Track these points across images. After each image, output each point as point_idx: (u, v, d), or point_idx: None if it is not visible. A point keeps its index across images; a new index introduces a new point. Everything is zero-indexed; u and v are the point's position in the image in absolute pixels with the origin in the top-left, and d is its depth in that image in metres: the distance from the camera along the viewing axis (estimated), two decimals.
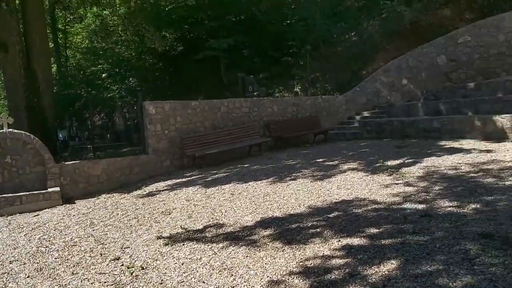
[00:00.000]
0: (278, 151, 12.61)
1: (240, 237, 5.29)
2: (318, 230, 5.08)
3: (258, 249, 4.75)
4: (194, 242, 5.32)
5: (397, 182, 7.05)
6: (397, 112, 13.53)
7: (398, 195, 6.23)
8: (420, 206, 5.51)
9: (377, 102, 15.40)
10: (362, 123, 13.64)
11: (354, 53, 18.37)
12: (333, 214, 5.65)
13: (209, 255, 4.80)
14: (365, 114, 14.91)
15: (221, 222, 6.01)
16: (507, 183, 6.17)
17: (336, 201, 6.33)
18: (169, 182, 9.69)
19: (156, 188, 9.27)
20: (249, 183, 8.40)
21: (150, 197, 8.45)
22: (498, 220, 4.61)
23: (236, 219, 6.08)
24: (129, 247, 5.45)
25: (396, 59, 15.57)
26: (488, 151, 8.79)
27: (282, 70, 19.48)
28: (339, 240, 4.62)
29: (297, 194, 7.03)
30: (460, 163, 7.89)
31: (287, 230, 5.25)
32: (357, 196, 6.45)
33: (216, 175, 9.77)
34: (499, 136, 10.10)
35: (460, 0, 16.07)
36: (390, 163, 8.69)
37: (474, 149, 9.19)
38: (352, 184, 7.25)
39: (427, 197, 5.92)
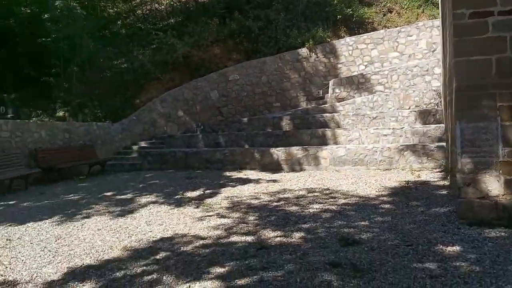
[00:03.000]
0: (49, 185, 10.75)
1: None
2: (154, 276, 4.28)
3: None
4: None
5: (208, 214, 6.76)
6: (177, 143, 13.44)
7: (218, 228, 5.92)
8: (249, 238, 5.33)
9: (154, 132, 15.02)
10: (143, 153, 12.99)
11: (125, 80, 17.58)
12: (160, 255, 4.91)
13: None
14: (143, 144, 14.30)
15: (11, 279, 4.50)
16: (311, 210, 6.62)
17: (155, 239, 5.58)
18: None
19: None
20: (27, 224, 6.74)
21: None
22: (330, 247, 4.78)
23: (31, 272, 4.65)
24: None
25: (172, 90, 15.60)
26: (274, 181, 9.45)
27: (41, 91, 17.09)
28: (189, 287, 3.96)
29: (101, 235, 5.94)
30: (257, 193, 8.18)
31: (114, 281, 4.25)
32: (176, 232, 5.85)
33: None
34: (275, 167, 11.07)
35: (228, 41, 17.40)
36: (189, 194, 8.38)
37: (260, 179, 9.74)
38: (162, 219, 6.60)
39: (249, 228, 5.81)
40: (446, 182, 8.04)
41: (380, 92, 14.34)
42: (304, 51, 16.34)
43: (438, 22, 14.53)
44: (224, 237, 5.46)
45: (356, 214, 6.27)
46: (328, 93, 15.19)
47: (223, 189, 8.79)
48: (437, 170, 9.49)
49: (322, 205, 6.92)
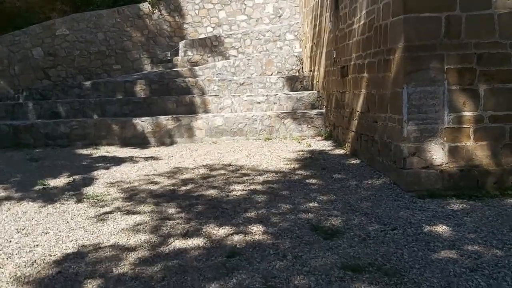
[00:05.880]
0: None
1: None
2: None
3: None
4: None
5: (105, 210, 5.04)
6: None
7: (138, 230, 4.38)
8: (199, 241, 4.00)
9: None
10: None
11: None
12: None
13: None
14: None
15: None
16: (237, 193, 5.52)
17: (55, 258, 3.76)
18: None
19: None
20: None
21: None
22: (316, 243, 3.85)
23: None
24: None
25: None
26: (153, 158, 7.91)
27: None
28: None
29: None
30: (147, 175, 6.62)
31: None
32: (80, 243, 4.08)
33: None
34: (140, 141, 9.39)
35: None
36: (53, 183, 6.28)
37: (133, 157, 8.06)
38: (41, 224, 4.63)
39: (183, 225, 4.43)
40: (344, 151, 7.81)
41: (234, 56, 13.58)
42: (146, 6, 14.37)
43: None
44: (161, 244, 3.99)
45: (292, 194, 5.44)
46: (178, 55, 13.72)
47: (94, 172, 6.88)
48: (319, 138, 9.29)
49: (243, 185, 5.87)
